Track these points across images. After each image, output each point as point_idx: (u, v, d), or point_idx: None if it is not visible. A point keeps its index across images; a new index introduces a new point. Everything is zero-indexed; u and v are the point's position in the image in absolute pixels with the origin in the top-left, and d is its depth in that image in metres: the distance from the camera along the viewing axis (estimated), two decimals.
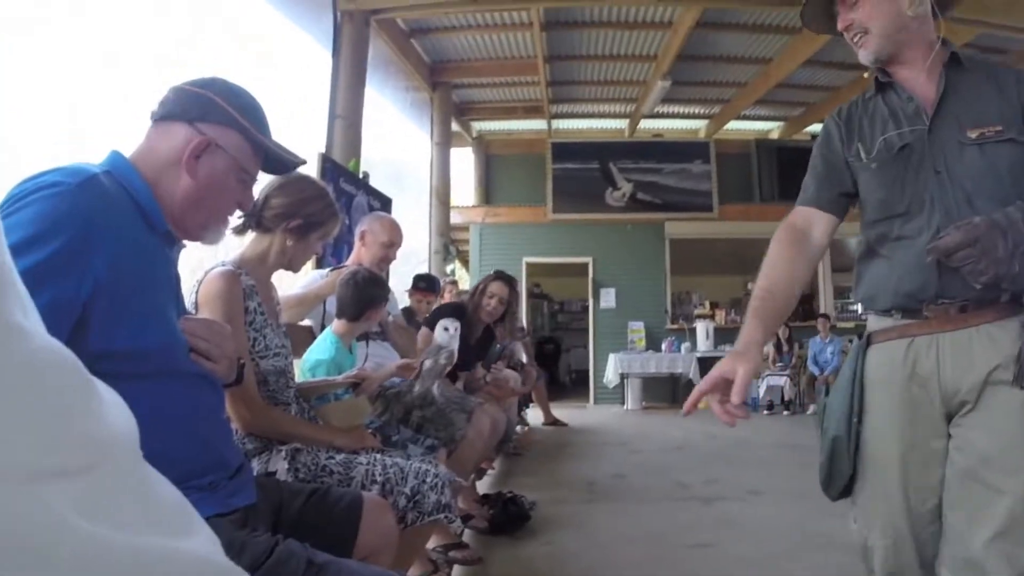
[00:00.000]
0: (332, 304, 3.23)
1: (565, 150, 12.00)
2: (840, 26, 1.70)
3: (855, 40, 1.68)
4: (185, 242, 1.46)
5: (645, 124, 11.92)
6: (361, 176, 5.74)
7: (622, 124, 12.08)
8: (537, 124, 11.93)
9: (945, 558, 1.52)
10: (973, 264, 1.41)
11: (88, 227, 1.15)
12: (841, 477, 1.67)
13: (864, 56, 1.68)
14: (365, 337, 3.18)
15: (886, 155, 1.63)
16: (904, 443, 1.57)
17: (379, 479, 2.01)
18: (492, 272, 4.49)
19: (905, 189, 1.60)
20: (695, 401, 1.49)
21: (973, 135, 1.54)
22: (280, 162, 1.53)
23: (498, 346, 5.38)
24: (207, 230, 1.41)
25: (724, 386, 1.47)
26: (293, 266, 2.27)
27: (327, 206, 2.27)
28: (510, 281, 4.38)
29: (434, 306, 5.34)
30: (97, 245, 1.16)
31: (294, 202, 2.21)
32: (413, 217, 9.73)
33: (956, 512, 1.50)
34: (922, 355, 1.56)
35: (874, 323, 1.69)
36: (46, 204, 1.12)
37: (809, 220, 1.76)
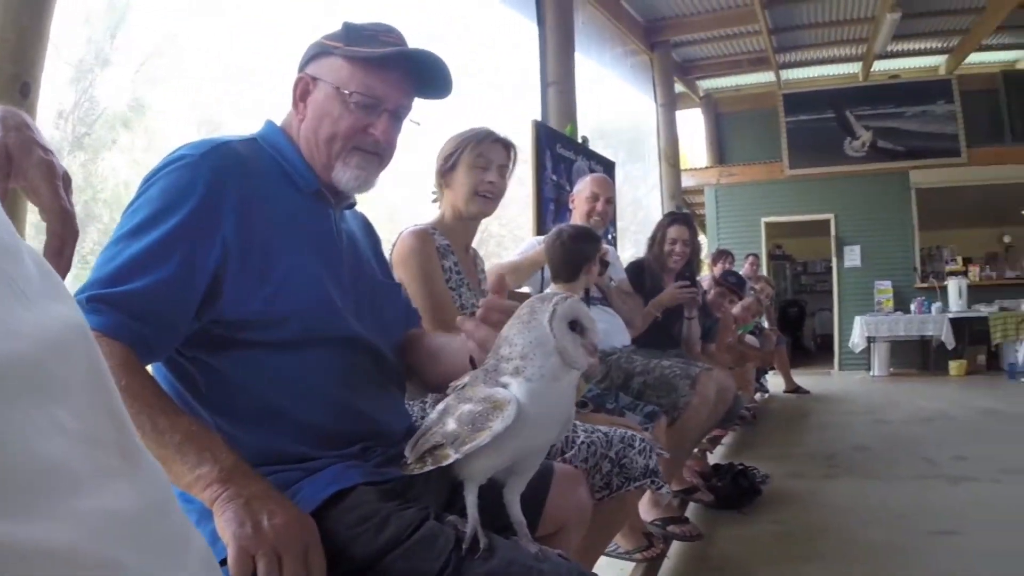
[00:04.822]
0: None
1: (797, 101, 11.18)
2: None
3: None
4: (355, 198, 1.47)
5: (879, 66, 10.78)
6: (580, 141, 5.68)
7: (855, 68, 11.05)
8: (765, 77, 11.18)
9: None
10: None
11: (211, 193, 1.18)
12: None
13: None
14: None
15: None
16: None
17: (581, 444, 1.89)
18: (664, 216, 4.10)
19: None
20: None
21: None
22: (424, 79, 1.38)
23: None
24: (334, 168, 1.34)
25: None
26: (463, 205, 2.23)
27: (468, 134, 2.23)
28: (687, 219, 3.97)
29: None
30: (223, 210, 1.18)
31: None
32: (648, 184, 9.63)
33: None
34: None
35: None
36: (170, 178, 1.18)
37: None
